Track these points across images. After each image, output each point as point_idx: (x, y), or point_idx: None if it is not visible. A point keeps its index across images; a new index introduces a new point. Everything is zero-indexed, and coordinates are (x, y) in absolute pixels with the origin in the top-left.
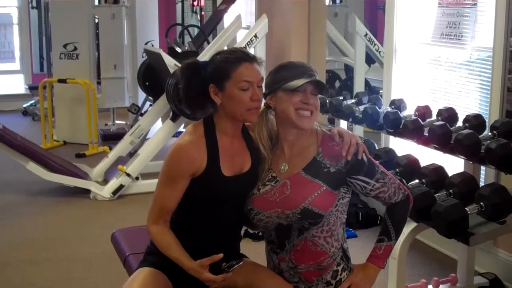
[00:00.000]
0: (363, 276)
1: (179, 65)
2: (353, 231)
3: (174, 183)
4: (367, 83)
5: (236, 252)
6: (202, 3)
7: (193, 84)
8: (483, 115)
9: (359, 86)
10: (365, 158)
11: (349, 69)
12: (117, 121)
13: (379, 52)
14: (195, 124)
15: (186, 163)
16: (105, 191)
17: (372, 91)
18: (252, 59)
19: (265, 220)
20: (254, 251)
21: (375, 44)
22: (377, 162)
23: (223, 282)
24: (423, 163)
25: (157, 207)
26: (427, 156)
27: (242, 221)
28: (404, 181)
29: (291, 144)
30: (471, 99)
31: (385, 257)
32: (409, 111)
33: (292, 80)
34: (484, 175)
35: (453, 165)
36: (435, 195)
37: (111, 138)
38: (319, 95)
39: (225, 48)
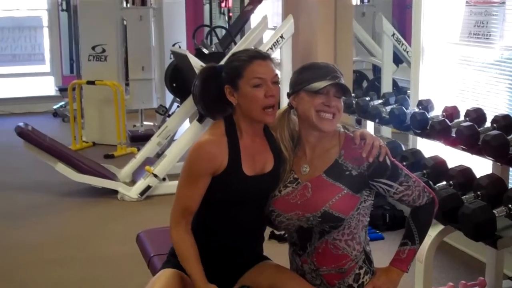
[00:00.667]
0: (386, 279)
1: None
2: (380, 233)
3: (195, 182)
4: (395, 83)
5: (259, 253)
6: (230, 4)
7: (209, 88)
8: None
9: (386, 86)
10: (388, 161)
11: (377, 69)
12: (145, 122)
13: (407, 52)
14: (216, 123)
15: (207, 161)
16: (133, 192)
17: (400, 91)
18: (264, 56)
19: (286, 222)
20: (280, 253)
21: (402, 44)
22: (401, 164)
23: (247, 283)
24: (453, 164)
25: (179, 207)
26: (456, 157)
27: (265, 221)
28: (430, 183)
29: (313, 146)
30: (500, 99)
31: (409, 261)
32: (436, 112)
33: (315, 82)
34: None
35: (484, 166)
36: (462, 197)
37: (140, 139)
38: (344, 97)
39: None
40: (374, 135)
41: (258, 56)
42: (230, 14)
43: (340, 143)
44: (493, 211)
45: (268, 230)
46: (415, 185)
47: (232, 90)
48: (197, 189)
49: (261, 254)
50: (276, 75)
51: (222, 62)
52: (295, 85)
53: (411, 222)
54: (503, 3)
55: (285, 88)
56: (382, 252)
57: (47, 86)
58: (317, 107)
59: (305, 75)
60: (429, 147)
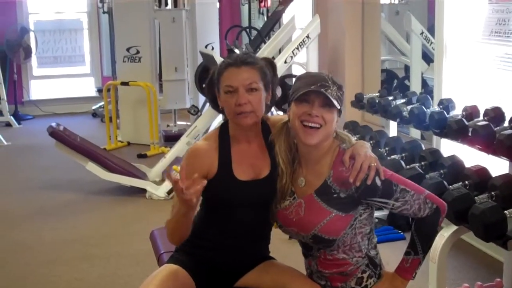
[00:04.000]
0: (389, 286)
1: None
2: (401, 233)
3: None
4: (424, 82)
5: (264, 255)
6: (269, 4)
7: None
8: None
9: (415, 85)
10: (378, 182)
11: (408, 69)
12: (178, 122)
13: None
14: (214, 129)
15: (196, 165)
16: (160, 191)
17: (428, 90)
18: (240, 63)
19: (289, 233)
20: (299, 252)
21: (431, 43)
22: (397, 177)
23: (249, 283)
24: (489, 167)
25: (173, 204)
26: (483, 157)
27: (268, 224)
28: (445, 183)
29: (306, 160)
30: None
31: (413, 269)
32: (458, 111)
33: (300, 91)
34: None
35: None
36: (476, 197)
37: (173, 139)
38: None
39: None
40: (366, 153)
41: (233, 63)
42: (269, 14)
43: (332, 161)
44: (505, 211)
45: None
46: (413, 199)
47: (218, 94)
48: None
49: (266, 255)
50: (252, 82)
51: None
52: (289, 97)
53: (414, 233)
54: None
55: None
56: (402, 252)
57: (87, 87)
58: (301, 117)
59: (295, 85)
60: (455, 147)
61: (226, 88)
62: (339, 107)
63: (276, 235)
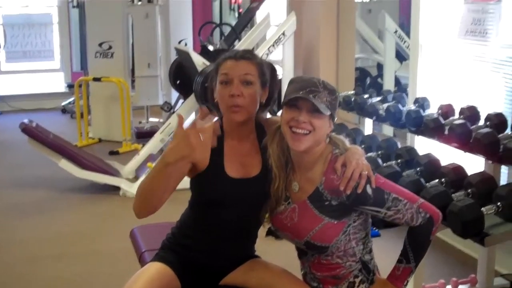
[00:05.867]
0: None
1: (207, 63)
2: (377, 230)
3: None
4: (397, 80)
5: (250, 254)
6: (240, 0)
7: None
8: (508, 114)
9: (388, 84)
10: (369, 191)
11: (380, 67)
12: (151, 119)
13: (409, 49)
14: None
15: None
16: (134, 188)
17: (402, 88)
18: (238, 56)
19: (284, 237)
20: (276, 249)
21: (405, 41)
22: (390, 185)
23: (235, 281)
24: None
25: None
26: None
27: (255, 226)
28: (422, 180)
29: (299, 165)
30: (497, 97)
31: (404, 278)
32: (434, 110)
33: (289, 96)
34: (507, 175)
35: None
36: (453, 195)
37: (145, 135)
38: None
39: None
40: (358, 161)
41: (233, 56)
42: (240, 10)
43: (324, 167)
44: (482, 208)
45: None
46: (406, 208)
47: (213, 88)
48: None
49: (252, 254)
50: (246, 74)
51: None
52: (282, 101)
53: (407, 242)
54: (499, 1)
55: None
56: (378, 250)
57: (56, 83)
58: (289, 123)
59: (287, 90)
60: (428, 145)
61: (222, 76)
62: (329, 113)
63: (262, 233)
